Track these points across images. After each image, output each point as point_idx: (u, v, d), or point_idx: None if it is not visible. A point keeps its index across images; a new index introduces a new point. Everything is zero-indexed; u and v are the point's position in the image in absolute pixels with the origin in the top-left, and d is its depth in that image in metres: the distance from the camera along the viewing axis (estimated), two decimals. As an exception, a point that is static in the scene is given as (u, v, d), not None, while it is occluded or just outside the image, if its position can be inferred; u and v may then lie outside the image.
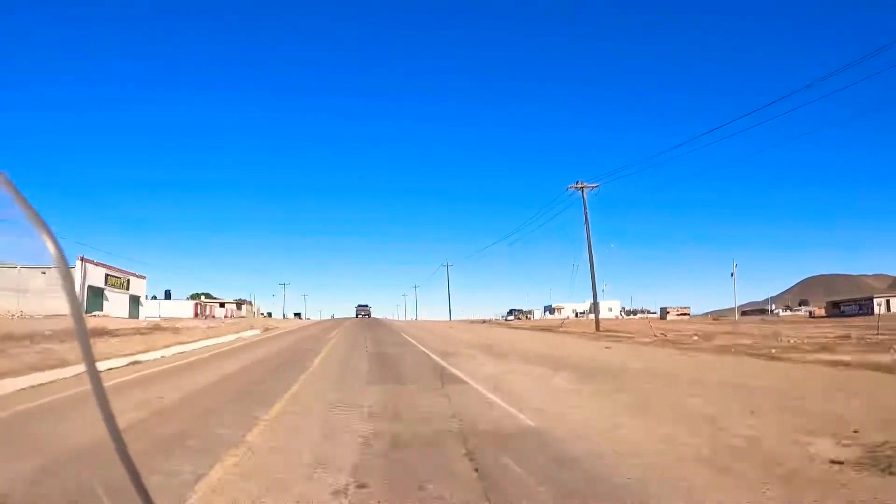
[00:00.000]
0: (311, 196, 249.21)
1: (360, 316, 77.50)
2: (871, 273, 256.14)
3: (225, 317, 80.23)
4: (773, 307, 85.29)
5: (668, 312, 64.12)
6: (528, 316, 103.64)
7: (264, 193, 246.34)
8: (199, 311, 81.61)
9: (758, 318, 72.88)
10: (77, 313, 1.16)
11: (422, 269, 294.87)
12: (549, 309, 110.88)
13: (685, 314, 66.80)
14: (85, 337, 1.15)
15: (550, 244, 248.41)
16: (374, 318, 76.75)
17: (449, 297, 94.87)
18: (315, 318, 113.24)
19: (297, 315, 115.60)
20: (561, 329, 38.65)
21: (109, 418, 1.18)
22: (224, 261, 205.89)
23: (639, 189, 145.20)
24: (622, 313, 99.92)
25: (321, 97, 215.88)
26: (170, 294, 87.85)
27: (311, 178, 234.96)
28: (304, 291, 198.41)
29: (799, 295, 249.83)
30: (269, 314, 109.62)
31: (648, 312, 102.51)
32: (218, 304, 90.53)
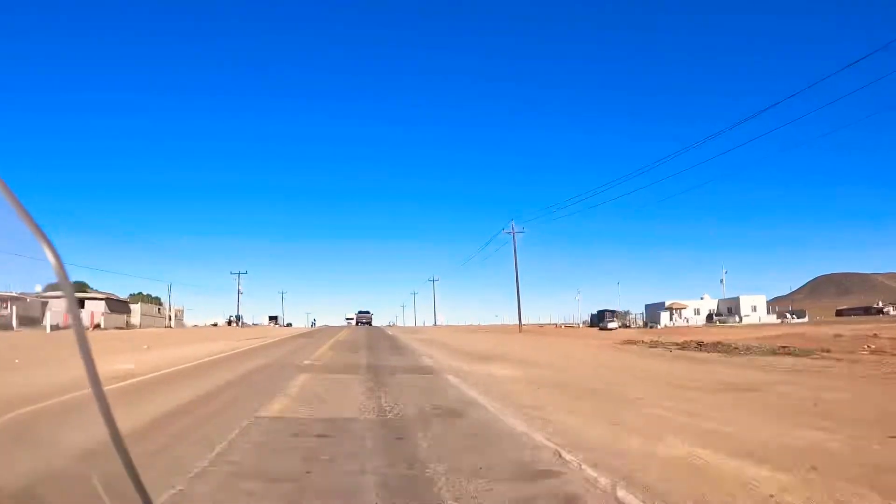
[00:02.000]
0: (306, 185, 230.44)
1: (359, 324, 61.49)
2: (883, 272, 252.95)
3: (62, 325, 33.83)
4: (880, 304, 75.68)
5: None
6: (650, 323, 64.13)
7: (256, 188, 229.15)
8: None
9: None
10: (76, 319, 1.23)
11: (425, 267, 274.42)
12: (661, 309, 74.73)
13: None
14: (85, 341, 1.22)
15: (613, 234, 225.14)
16: (376, 326, 59.73)
17: (518, 288, 54.54)
18: (302, 325, 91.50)
19: (273, 319, 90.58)
20: None
21: (109, 419, 1.24)
22: (207, 257, 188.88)
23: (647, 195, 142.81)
24: (789, 315, 70.14)
25: (312, 92, 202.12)
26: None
27: (308, 172, 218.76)
28: (283, 288, 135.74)
29: (809, 294, 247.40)
30: (237, 318, 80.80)
31: (790, 313, 71.78)
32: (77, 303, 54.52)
